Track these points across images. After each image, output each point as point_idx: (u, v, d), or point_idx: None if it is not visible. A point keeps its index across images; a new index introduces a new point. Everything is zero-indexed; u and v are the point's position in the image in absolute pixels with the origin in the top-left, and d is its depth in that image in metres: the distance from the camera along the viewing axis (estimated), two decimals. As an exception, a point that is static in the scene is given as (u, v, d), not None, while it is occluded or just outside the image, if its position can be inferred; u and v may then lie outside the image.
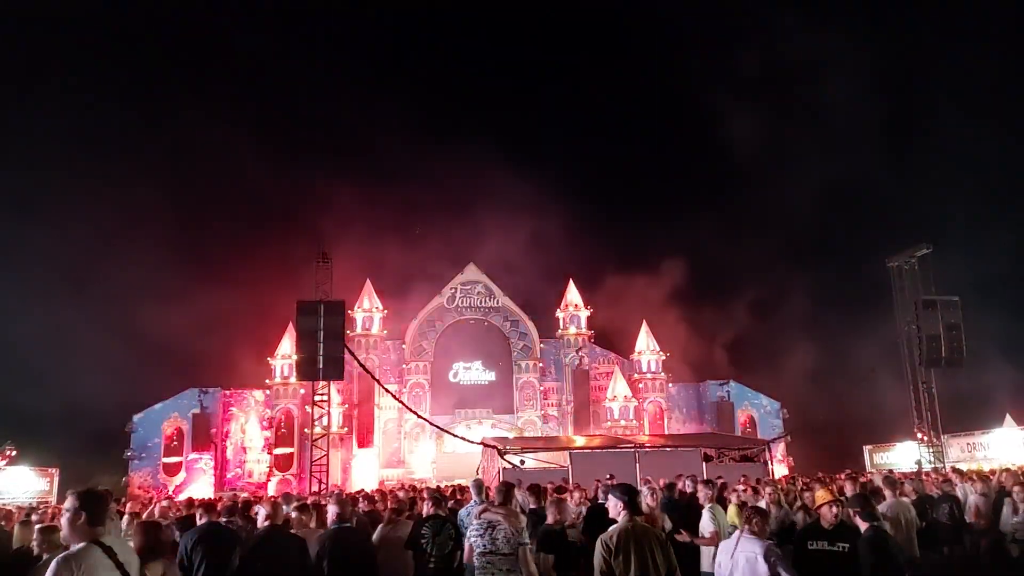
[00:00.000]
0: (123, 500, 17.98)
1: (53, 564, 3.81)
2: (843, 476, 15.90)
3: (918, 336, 30.00)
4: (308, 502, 9.85)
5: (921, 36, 57.32)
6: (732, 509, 10.72)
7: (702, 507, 9.55)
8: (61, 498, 26.39)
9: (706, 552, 9.16)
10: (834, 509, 6.33)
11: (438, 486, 18.48)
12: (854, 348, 41.63)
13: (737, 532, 6.07)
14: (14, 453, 28.98)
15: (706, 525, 9.25)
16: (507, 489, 7.33)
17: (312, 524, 8.25)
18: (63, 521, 4.06)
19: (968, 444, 30.90)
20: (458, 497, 13.47)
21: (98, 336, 42.71)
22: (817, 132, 63.49)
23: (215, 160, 61.72)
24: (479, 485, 8.31)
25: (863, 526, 6.33)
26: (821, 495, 6.65)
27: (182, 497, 22.50)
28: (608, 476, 14.71)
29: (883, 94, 62.04)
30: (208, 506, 8.04)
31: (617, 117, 71.32)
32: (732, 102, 67.64)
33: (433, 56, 73.39)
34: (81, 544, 3.90)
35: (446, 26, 74.31)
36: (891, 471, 23.66)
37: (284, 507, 8.21)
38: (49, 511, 15.13)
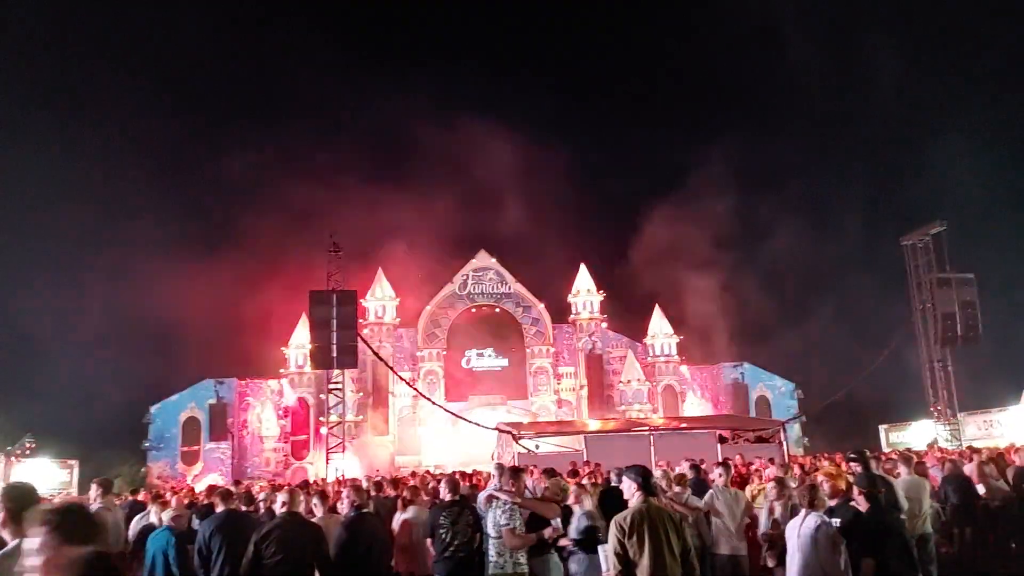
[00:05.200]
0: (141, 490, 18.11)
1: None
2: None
3: (933, 314, 29.85)
4: (324, 489, 9.92)
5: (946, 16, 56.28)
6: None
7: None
8: (82, 489, 26.71)
9: None
10: (829, 484, 6.57)
11: (454, 472, 18.56)
12: (869, 327, 41.52)
13: (803, 510, 6.17)
14: (33, 446, 29.30)
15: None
16: (513, 472, 7.58)
17: (328, 511, 8.30)
18: None
19: (985, 422, 30.71)
20: (466, 483, 13.51)
21: (115, 328, 43.11)
22: (831, 110, 62.77)
23: (225, 151, 61.78)
24: (501, 469, 8.34)
25: (863, 504, 6.67)
26: (824, 472, 6.92)
27: (201, 487, 22.71)
28: (584, 460, 15.45)
29: (903, 71, 61.06)
30: (226, 494, 8.09)
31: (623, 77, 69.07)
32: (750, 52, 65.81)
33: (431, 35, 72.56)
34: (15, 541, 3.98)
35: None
36: (908, 450, 23.59)
37: (301, 494, 8.25)
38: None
